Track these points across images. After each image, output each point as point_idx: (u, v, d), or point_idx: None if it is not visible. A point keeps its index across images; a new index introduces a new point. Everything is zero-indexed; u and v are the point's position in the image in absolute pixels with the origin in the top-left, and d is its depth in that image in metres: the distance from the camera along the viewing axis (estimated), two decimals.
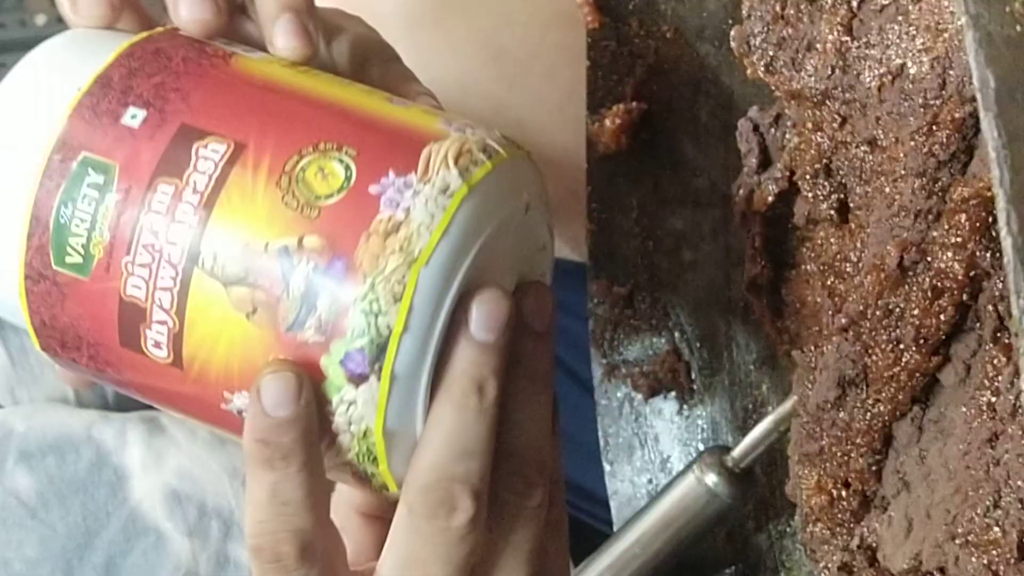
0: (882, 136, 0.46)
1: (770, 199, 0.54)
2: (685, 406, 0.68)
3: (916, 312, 0.44)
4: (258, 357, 0.44)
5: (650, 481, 0.69)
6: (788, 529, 0.65)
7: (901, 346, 0.45)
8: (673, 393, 0.68)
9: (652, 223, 0.66)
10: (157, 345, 0.45)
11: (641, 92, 0.64)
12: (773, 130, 0.54)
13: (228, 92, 0.47)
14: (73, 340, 0.47)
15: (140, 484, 0.68)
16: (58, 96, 0.47)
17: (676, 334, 0.68)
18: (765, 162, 0.54)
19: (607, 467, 0.69)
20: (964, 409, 0.44)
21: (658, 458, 0.69)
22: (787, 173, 0.52)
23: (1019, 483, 0.41)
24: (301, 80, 0.48)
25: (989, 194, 0.42)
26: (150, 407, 0.73)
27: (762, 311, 0.58)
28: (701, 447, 0.67)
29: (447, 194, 0.44)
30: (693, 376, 0.68)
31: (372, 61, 0.52)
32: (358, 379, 0.43)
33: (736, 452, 0.62)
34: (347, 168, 0.44)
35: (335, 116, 0.46)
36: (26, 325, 0.48)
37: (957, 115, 0.43)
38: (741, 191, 0.56)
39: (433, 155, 0.44)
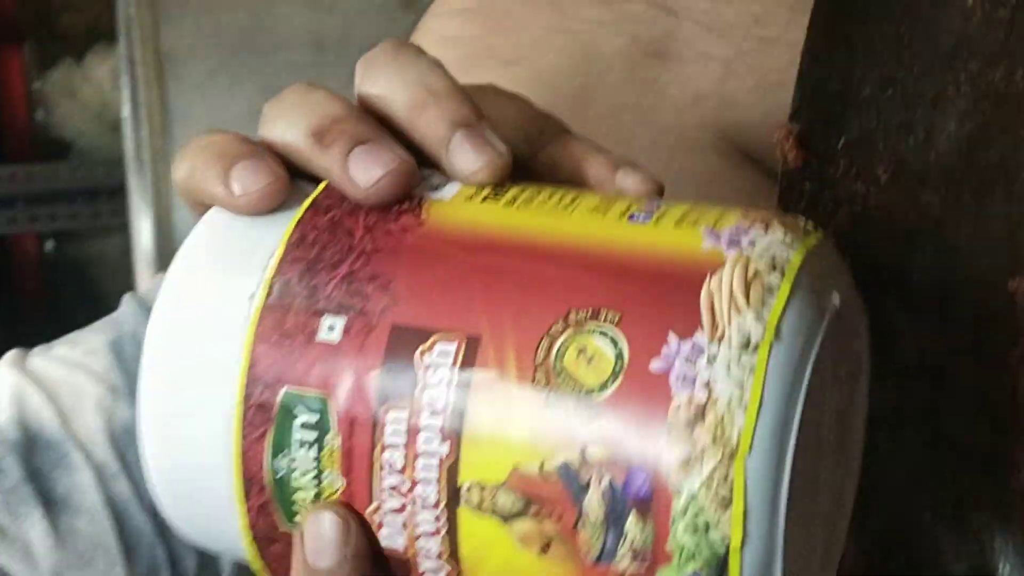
0: None
1: None
2: None
3: None
4: None
5: None
6: None
7: None
8: None
9: None
10: None
11: (842, 244, 0.54)
12: None
13: (436, 266, 0.37)
14: None
15: None
16: (230, 318, 0.37)
17: (867, 537, 0.57)
18: None
19: None
20: None
21: None
22: None
23: None
24: (513, 218, 0.38)
25: None
26: None
27: None
28: None
29: (750, 349, 0.34)
30: None
31: (544, 138, 0.44)
32: None
33: None
34: (614, 343, 0.35)
35: (574, 267, 0.36)
36: None
37: None
38: None
39: (716, 297, 0.35)
